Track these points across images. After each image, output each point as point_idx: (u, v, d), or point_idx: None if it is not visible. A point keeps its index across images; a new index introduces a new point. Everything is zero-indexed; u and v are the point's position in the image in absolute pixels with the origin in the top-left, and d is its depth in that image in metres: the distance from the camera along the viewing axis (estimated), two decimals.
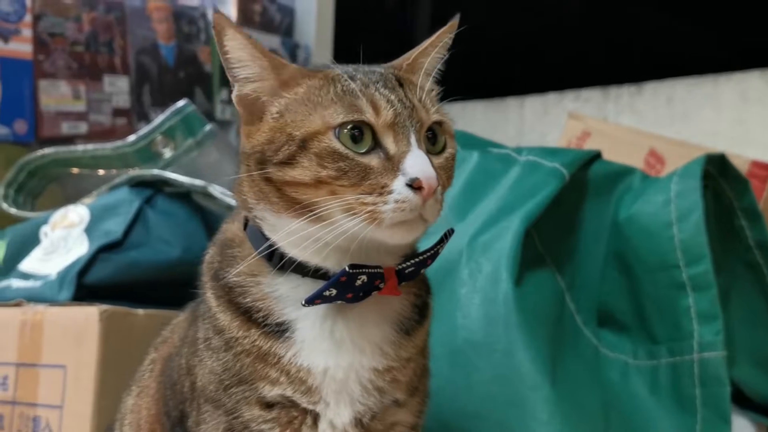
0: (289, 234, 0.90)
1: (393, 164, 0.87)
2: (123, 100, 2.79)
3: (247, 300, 0.95)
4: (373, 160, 0.88)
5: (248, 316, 0.95)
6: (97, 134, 2.68)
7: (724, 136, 2.58)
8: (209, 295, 0.99)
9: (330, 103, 0.90)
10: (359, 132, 0.88)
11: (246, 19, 3.22)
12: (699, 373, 1.29)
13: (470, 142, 1.63)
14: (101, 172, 2.25)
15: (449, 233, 0.99)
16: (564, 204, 1.45)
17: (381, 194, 0.86)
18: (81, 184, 2.31)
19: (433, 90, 0.99)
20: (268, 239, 0.94)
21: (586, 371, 1.33)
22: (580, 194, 1.48)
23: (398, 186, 0.86)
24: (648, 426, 1.31)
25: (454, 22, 1.02)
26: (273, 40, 3.28)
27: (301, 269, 0.93)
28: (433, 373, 1.24)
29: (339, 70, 0.95)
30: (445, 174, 0.95)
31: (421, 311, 1.02)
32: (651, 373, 1.35)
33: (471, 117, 3.31)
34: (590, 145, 2.01)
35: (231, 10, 3.21)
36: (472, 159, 1.52)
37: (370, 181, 0.87)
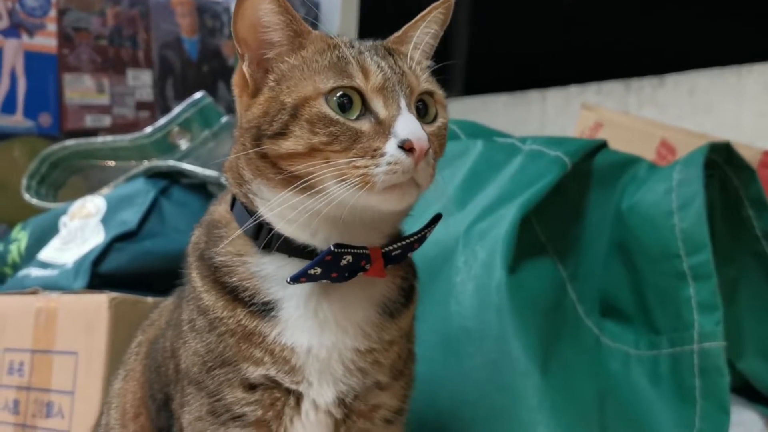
0: (284, 208, 0.91)
1: (384, 128, 0.88)
2: (146, 94, 2.83)
3: (233, 279, 0.96)
4: (365, 125, 0.89)
5: (234, 295, 0.95)
6: (121, 127, 2.72)
7: (748, 128, 2.54)
8: (194, 276, 0.99)
9: (323, 69, 0.91)
10: (348, 99, 0.89)
11: None
12: (699, 364, 1.27)
13: (476, 131, 1.63)
14: (114, 163, 2.29)
15: (437, 218, 0.99)
16: (568, 193, 1.44)
17: (373, 157, 0.86)
18: (103, 175, 2.35)
19: (423, 62, 1.00)
20: (255, 217, 0.94)
21: (584, 360, 1.32)
22: (584, 183, 1.48)
23: (390, 148, 0.86)
24: (647, 416, 1.30)
25: (450, 0, 1.01)
26: None
27: (288, 247, 0.94)
28: (428, 359, 1.25)
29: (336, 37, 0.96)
30: (438, 141, 0.95)
31: (407, 295, 1.02)
32: (652, 363, 1.34)
33: (493, 110, 3.30)
34: (603, 136, 1.99)
35: None
36: (476, 148, 1.51)
37: (361, 144, 0.87)
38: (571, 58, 3.34)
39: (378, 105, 0.90)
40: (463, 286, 1.29)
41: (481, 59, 3.71)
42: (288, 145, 0.89)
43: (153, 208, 1.95)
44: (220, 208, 1.03)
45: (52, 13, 2.60)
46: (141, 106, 2.81)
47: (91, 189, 2.20)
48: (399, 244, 0.96)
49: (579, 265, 1.43)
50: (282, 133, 0.89)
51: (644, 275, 1.37)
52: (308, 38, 0.94)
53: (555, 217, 1.41)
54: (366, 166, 0.86)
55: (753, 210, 1.46)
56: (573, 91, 3.06)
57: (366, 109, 0.90)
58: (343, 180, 0.87)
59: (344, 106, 0.89)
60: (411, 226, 1.00)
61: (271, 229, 0.94)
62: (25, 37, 2.55)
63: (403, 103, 0.90)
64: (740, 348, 1.48)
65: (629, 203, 1.41)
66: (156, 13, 2.86)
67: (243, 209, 0.97)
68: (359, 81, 0.90)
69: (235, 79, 0.98)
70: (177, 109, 2.24)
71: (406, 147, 0.86)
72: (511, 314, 1.22)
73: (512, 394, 1.20)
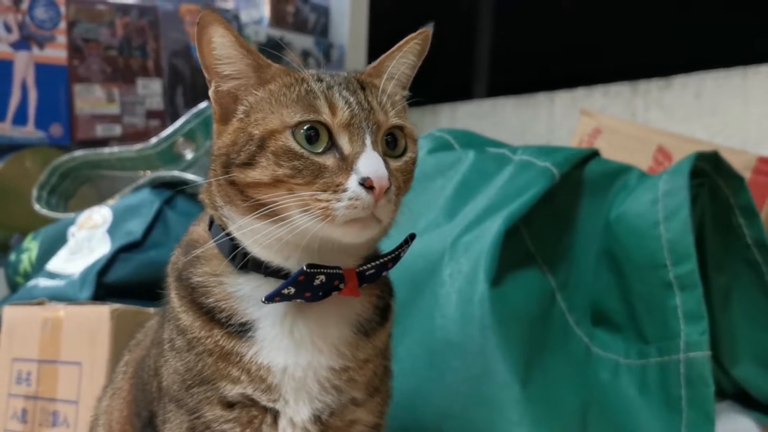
0: (252, 233, 0.93)
1: (347, 164, 0.90)
2: (156, 103, 2.86)
3: (210, 300, 0.97)
4: (329, 160, 0.90)
5: (211, 316, 0.97)
6: (132, 136, 2.75)
7: (754, 130, 2.53)
8: (173, 296, 1.01)
9: (291, 103, 0.93)
10: (315, 132, 0.91)
11: (279, 19, 3.26)
12: (685, 373, 1.28)
13: (470, 140, 1.64)
14: (122, 173, 2.32)
15: (411, 237, 1.00)
16: (558, 202, 1.45)
17: (335, 192, 0.88)
18: (113, 185, 2.39)
19: (397, 94, 1.01)
20: (232, 239, 0.96)
21: (570, 371, 1.33)
22: (575, 193, 1.48)
23: (351, 184, 0.88)
24: (634, 426, 1.30)
25: (426, 30, 1.03)
26: (307, 41, 3.31)
27: (264, 269, 0.96)
28: (412, 372, 1.26)
29: (305, 71, 0.97)
30: (403, 177, 0.97)
31: (382, 313, 1.04)
32: (640, 372, 1.34)
33: (501, 114, 3.30)
34: (601, 142, 2.00)
35: (264, 11, 3.25)
36: (468, 159, 1.52)
37: (324, 179, 0.89)
38: (579, 61, 3.33)
39: (343, 141, 0.91)
40: (448, 299, 1.30)
41: (489, 63, 3.71)
42: (254, 174, 0.91)
43: (158, 218, 1.98)
44: (198, 228, 1.05)
45: (62, 25, 2.64)
46: (151, 114, 2.84)
47: (102, 199, 2.24)
48: (373, 263, 0.97)
49: (570, 275, 1.44)
50: (249, 164, 0.91)
51: (632, 284, 1.38)
52: (269, 72, 0.96)
53: (544, 226, 1.42)
54: (328, 200, 0.88)
55: (743, 218, 1.46)
56: (580, 93, 3.05)
57: (332, 143, 0.91)
58: (305, 210, 0.89)
59: (311, 139, 0.91)
60: (399, 239, 1.01)
61: (246, 252, 0.96)
62: (35, 50, 2.59)
63: (368, 140, 0.91)
64: (735, 355, 1.48)
65: (617, 213, 1.42)
66: (165, 22, 2.89)
67: (220, 230, 0.98)
68: (326, 116, 0.91)
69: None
70: (181, 120, 2.26)
71: (366, 184, 0.88)
72: (493, 328, 1.23)
73: (493, 407, 1.21)
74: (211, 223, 1.02)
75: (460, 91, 3.54)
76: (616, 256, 1.41)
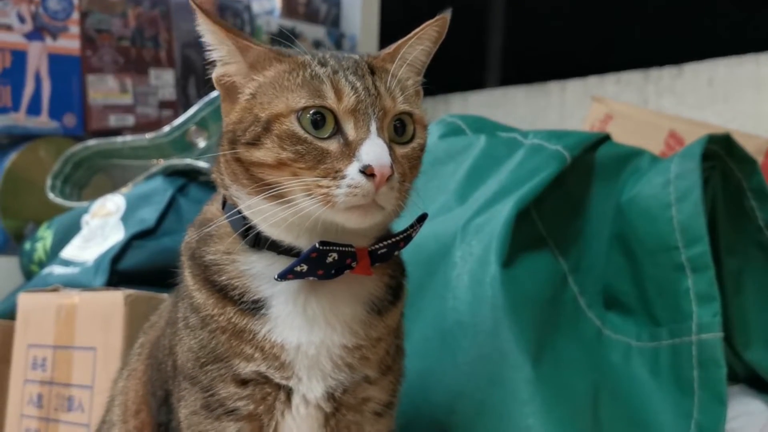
0: (258, 212, 0.94)
1: (350, 150, 0.90)
2: (169, 93, 2.87)
3: (223, 278, 0.98)
4: (332, 145, 0.91)
5: (224, 293, 0.98)
6: (144, 126, 2.76)
7: (766, 118, 2.52)
8: (186, 274, 1.03)
9: (296, 87, 0.93)
10: (321, 117, 0.91)
11: (290, 9, 3.27)
12: (697, 355, 1.28)
13: (481, 126, 1.64)
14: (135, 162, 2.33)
15: (423, 217, 1.01)
16: (570, 186, 1.45)
17: (335, 178, 0.89)
18: (126, 174, 2.40)
19: (409, 79, 1.01)
20: (244, 217, 0.97)
21: (581, 353, 1.33)
22: (587, 177, 1.48)
23: (351, 171, 0.89)
24: (646, 408, 1.30)
25: (444, 17, 1.03)
26: (318, 31, 3.32)
27: (276, 247, 0.97)
28: (425, 353, 1.27)
29: (311, 56, 0.98)
30: (410, 164, 0.97)
31: (395, 293, 1.05)
32: (652, 355, 1.34)
33: (513, 102, 3.30)
34: (612, 128, 2.00)
35: (275, 1, 3.26)
36: (479, 143, 1.53)
37: (325, 165, 0.90)
38: (591, 49, 3.33)
39: (348, 126, 0.92)
40: (459, 281, 1.30)
41: (501, 52, 3.71)
42: (258, 155, 0.92)
43: (171, 205, 1.99)
44: (212, 208, 1.06)
45: (75, 15, 2.65)
46: (164, 104, 2.86)
47: (115, 187, 2.25)
48: (385, 242, 0.98)
49: (581, 258, 1.44)
50: (254, 143, 0.92)
51: (644, 267, 1.38)
52: (251, 53, 0.96)
53: (556, 210, 1.42)
54: (328, 186, 0.89)
55: (755, 201, 1.46)
56: (592, 81, 3.05)
57: (338, 128, 0.92)
58: (308, 195, 0.90)
59: (317, 123, 0.91)
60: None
61: (258, 231, 0.97)
62: (48, 40, 2.60)
63: (373, 126, 0.92)
64: (747, 338, 1.48)
65: (628, 196, 1.42)
66: (177, 13, 2.90)
67: (233, 208, 0.99)
68: (331, 101, 0.92)
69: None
70: (193, 108, 2.28)
71: (367, 172, 0.88)
72: (504, 309, 1.24)
73: (504, 387, 1.22)
74: (224, 202, 1.03)
75: (472, 80, 3.53)
76: (627, 239, 1.41)
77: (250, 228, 0.97)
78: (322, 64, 0.96)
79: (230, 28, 0.96)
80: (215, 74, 0.98)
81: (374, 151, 0.89)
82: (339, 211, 0.90)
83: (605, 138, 1.52)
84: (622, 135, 1.87)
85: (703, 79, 2.70)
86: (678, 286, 1.32)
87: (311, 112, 0.91)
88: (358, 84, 0.93)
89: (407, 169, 0.96)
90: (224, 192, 1.01)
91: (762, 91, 2.54)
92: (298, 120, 0.91)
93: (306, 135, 0.91)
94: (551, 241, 1.41)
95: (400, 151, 0.95)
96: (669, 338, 1.33)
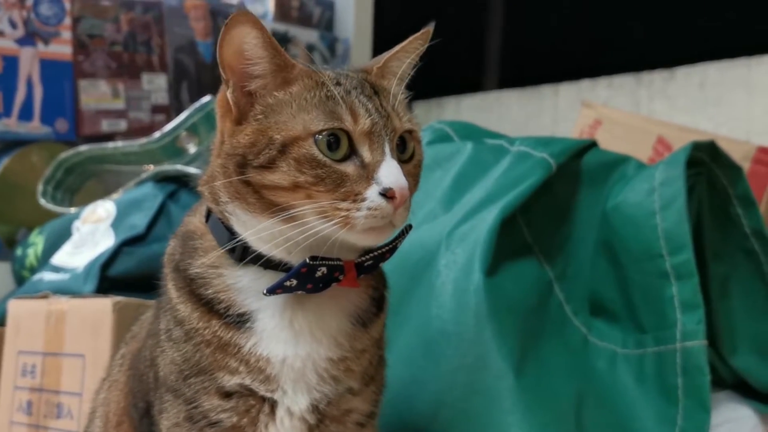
0: (260, 231, 0.94)
1: (367, 172, 0.91)
2: (161, 97, 2.87)
3: (209, 291, 0.98)
4: (349, 168, 0.91)
5: (209, 307, 0.98)
6: (137, 131, 2.76)
7: (758, 120, 2.52)
8: (170, 287, 1.02)
9: (312, 108, 0.93)
10: (335, 138, 0.91)
11: (283, 13, 3.26)
12: (681, 362, 1.28)
13: (469, 132, 1.64)
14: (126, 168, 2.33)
15: (407, 229, 1.01)
16: (556, 193, 1.45)
17: (355, 201, 0.90)
18: (119, 179, 2.41)
19: (402, 94, 1.02)
20: (231, 231, 0.97)
21: (567, 360, 1.33)
22: (573, 183, 1.48)
23: (372, 194, 0.90)
24: (630, 415, 1.31)
25: (428, 29, 1.03)
26: (311, 35, 3.31)
27: (265, 262, 0.97)
28: (409, 361, 1.27)
29: (324, 72, 0.97)
30: (413, 180, 0.99)
31: (378, 304, 1.05)
32: (638, 362, 1.35)
33: (507, 106, 3.30)
34: (601, 134, 2.01)
35: (268, 5, 3.25)
36: (466, 150, 1.53)
37: (345, 188, 0.90)
38: (583, 53, 3.33)
39: (364, 149, 0.92)
40: (444, 289, 1.31)
41: (494, 56, 3.71)
42: (273, 178, 0.92)
43: (161, 212, 1.99)
44: (194, 219, 1.06)
45: (67, 21, 2.65)
46: (157, 109, 2.86)
47: (108, 193, 2.25)
48: (371, 255, 0.98)
49: (567, 265, 1.44)
50: (268, 167, 0.92)
51: (629, 274, 1.38)
52: (293, 72, 0.96)
53: (542, 217, 1.43)
54: (348, 209, 0.89)
55: (741, 208, 1.46)
56: (585, 85, 3.05)
57: (352, 150, 0.92)
58: (324, 217, 0.90)
59: (331, 145, 0.91)
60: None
61: (246, 246, 0.97)
62: (40, 46, 2.61)
63: (387, 148, 0.92)
64: (733, 344, 1.48)
65: (614, 203, 1.42)
66: (169, 17, 2.90)
67: (218, 222, 0.99)
68: (348, 124, 0.92)
69: (219, 100, 1.00)
70: (184, 114, 2.28)
71: (388, 195, 0.89)
72: (487, 317, 1.24)
73: (487, 396, 1.22)
74: (208, 214, 1.02)
75: (465, 84, 3.53)
76: (613, 246, 1.41)
77: (237, 242, 0.97)
78: (337, 83, 0.95)
79: (278, 45, 0.95)
80: (245, 89, 0.96)
81: (392, 173, 0.90)
82: (357, 233, 0.91)
83: (592, 144, 1.53)
84: (611, 140, 1.88)
85: (695, 83, 2.71)
86: (663, 293, 1.33)
87: (326, 134, 0.91)
88: (370, 105, 0.94)
89: (412, 185, 0.97)
90: (213, 207, 1.00)
91: (753, 94, 2.54)
92: (316, 143, 0.91)
93: (325, 159, 0.91)
94: (537, 249, 1.41)
95: (405, 168, 0.96)
96: (654, 345, 1.33)
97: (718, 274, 1.47)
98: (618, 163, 1.53)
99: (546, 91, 3.19)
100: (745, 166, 1.75)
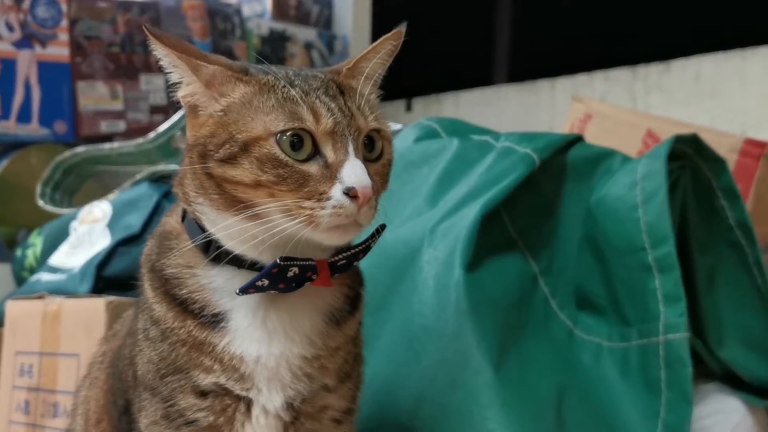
0: (226, 228, 0.95)
1: (331, 172, 0.91)
2: (160, 98, 2.89)
3: (183, 291, 0.99)
4: (312, 168, 0.92)
5: (184, 307, 0.99)
6: (136, 131, 2.78)
7: (753, 112, 2.52)
8: (147, 287, 1.04)
9: (271, 110, 0.93)
10: (299, 139, 0.92)
11: (281, 12, 3.27)
12: (664, 355, 1.28)
13: (456, 128, 1.65)
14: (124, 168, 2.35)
15: (381, 228, 1.02)
16: (541, 188, 1.46)
17: (319, 200, 0.90)
18: (117, 180, 2.42)
19: (372, 94, 1.02)
20: (204, 231, 0.98)
21: (551, 355, 1.33)
22: (558, 178, 1.49)
23: (336, 193, 0.90)
24: (614, 408, 1.31)
25: (400, 30, 1.04)
26: (310, 33, 3.33)
27: (237, 262, 0.98)
28: (391, 357, 1.28)
29: (277, 75, 0.97)
30: (381, 179, 0.99)
31: (353, 303, 1.06)
32: (622, 355, 1.35)
33: (504, 101, 3.30)
34: (591, 127, 2.01)
35: (266, 4, 3.26)
36: (452, 147, 1.53)
37: (308, 188, 0.91)
38: (579, 47, 3.33)
39: (327, 148, 0.93)
40: (425, 285, 1.31)
41: (490, 51, 3.71)
42: (234, 173, 0.92)
43: (156, 211, 2.01)
44: (171, 220, 1.07)
45: (64, 23, 2.68)
46: (155, 110, 2.88)
47: (106, 194, 2.27)
48: (344, 254, 0.99)
49: (553, 259, 1.45)
50: (229, 162, 0.92)
51: (613, 268, 1.39)
52: (205, 71, 0.96)
53: (527, 212, 1.43)
54: (312, 208, 0.90)
55: (725, 200, 1.46)
56: (581, 79, 3.05)
57: (316, 150, 0.93)
58: (289, 215, 0.91)
59: (295, 145, 0.92)
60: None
61: (219, 245, 0.97)
62: (37, 48, 2.63)
63: (350, 147, 0.93)
64: (721, 336, 1.48)
65: (597, 197, 1.42)
66: (167, 18, 2.91)
67: (193, 222, 1.00)
68: (310, 124, 0.92)
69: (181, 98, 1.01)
70: (178, 114, 2.29)
71: (351, 194, 0.90)
72: (468, 313, 1.25)
73: (466, 391, 1.22)
74: (184, 215, 1.03)
75: (463, 80, 3.54)
76: (596, 239, 1.42)
77: (211, 242, 0.98)
78: (291, 84, 0.95)
79: (183, 49, 0.95)
80: (180, 94, 0.98)
81: (355, 173, 0.91)
82: (322, 231, 0.91)
83: (577, 139, 1.53)
84: (601, 134, 1.88)
85: (690, 75, 2.71)
86: (645, 286, 1.33)
87: (289, 134, 0.92)
88: (333, 105, 0.94)
89: (379, 185, 0.98)
90: (186, 207, 1.01)
91: (747, 86, 2.54)
92: (278, 143, 0.92)
93: (287, 158, 0.91)
94: (522, 244, 1.41)
95: (373, 168, 0.96)
96: (638, 338, 1.34)
97: (705, 266, 1.47)
98: (603, 157, 1.53)
99: (543, 85, 3.19)
100: (733, 158, 1.74)
